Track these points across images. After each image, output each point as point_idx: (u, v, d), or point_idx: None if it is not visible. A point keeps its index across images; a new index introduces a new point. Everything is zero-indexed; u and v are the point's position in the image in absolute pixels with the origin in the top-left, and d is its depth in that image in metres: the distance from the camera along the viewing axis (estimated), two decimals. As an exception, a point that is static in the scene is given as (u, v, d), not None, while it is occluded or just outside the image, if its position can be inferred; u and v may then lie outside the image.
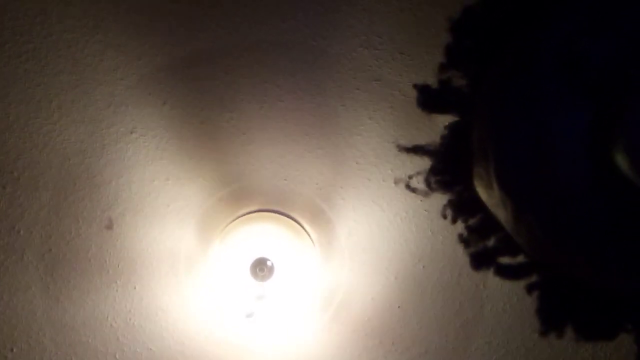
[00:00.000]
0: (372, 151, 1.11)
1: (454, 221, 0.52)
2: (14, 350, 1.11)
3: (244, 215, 1.15)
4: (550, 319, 0.48)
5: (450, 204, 0.52)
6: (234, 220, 1.15)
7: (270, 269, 1.11)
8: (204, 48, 1.09)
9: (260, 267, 1.11)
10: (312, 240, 1.15)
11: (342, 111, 1.11)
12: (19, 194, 1.10)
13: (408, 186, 0.56)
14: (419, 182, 0.54)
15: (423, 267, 1.14)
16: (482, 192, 0.44)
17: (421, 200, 1.12)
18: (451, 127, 0.52)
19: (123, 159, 1.10)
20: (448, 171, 0.51)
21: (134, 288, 1.13)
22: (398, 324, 1.15)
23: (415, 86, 0.54)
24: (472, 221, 0.51)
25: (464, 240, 0.52)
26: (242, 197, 1.14)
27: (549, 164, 0.36)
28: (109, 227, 1.11)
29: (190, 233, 1.13)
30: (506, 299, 1.13)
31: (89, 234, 1.11)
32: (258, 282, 1.12)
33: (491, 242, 0.50)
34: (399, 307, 1.14)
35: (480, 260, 0.51)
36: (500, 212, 0.42)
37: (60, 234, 1.11)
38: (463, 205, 0.51)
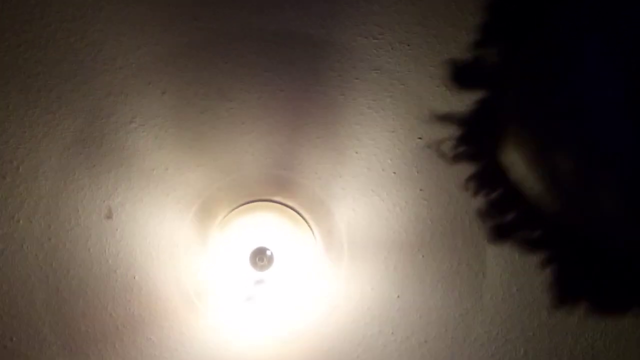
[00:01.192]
0: (372, 141, 1.11)
1: (475, 194, 0.53)
2: (14, 339, 1.11)
3: (243, 204, 1.15)
4: (564, 292, 0.49)
5: (474, 176, 0.53)
6: (233, 210, 1.15)
7: (270, 259, 1.12)
8: (203, 37, 1.09)
9: (260, 257, 1.11)
10: (311, 229, 1.15)
11: (341, 100, 1.11)
12: (18, 183, 1.10)
13: (438, 150, 0.58)
14: (447, 149, 0.56)
15: (422, 256, 1.14)
16: (514, 157, 0.44)
17: (421, 190, 1.12)
18: (480, 103, 0.54)
19: (122, 149, 1.10)
20: (475, 143, 0.53)
21: (133, 277, 1.13)
22: (397, 314, 1.15)
23: (447, 62, 0.55)
24: (493, 195, 0.52)
25: (483, 214, 0.53)
26: (241, 186, 1.14)
27: (587, 124, 0.36)
28: (109, 216, 1.11)
29: (189, 222, 1.13)
30: (506, 288, 1.13)
31: (88, 224, 1.11)
32: (257, 272, 1.12)
33: (510, 217, 0.51)
34: (398, 296, 1.14)
35: (498, 234, 0.53)
36: (531, 174, 0.42)
37: (59, 223, 1.11)
38: (486, 179, 0.52)
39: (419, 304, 1.14)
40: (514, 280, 1.13)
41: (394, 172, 1.12)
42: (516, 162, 0.46)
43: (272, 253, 1.12)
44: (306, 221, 1.15)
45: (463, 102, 0.53)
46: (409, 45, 1.10)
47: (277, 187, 1.14)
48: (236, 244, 1.12)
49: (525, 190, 0.46)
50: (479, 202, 0.53)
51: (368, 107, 1.11)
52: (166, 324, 1.14)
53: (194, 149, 1.11)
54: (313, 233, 1.15)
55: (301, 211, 1.15)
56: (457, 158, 0.55)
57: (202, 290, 1.15)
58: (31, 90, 1.09)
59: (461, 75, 0.57)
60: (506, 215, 0.52)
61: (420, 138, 1.11)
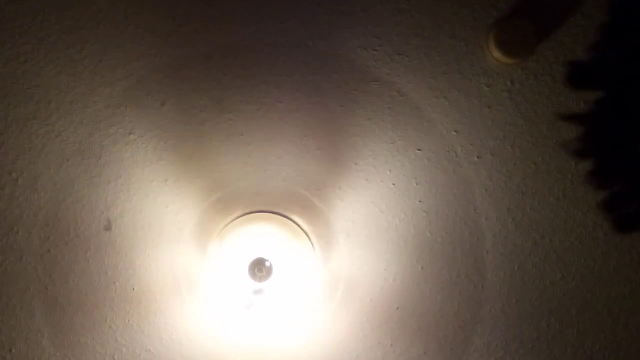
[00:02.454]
0: (371, 152, 1.11)
1: (599, 187, 0.55)
2: (13, 350, 1.11)
3: (242, 215, 1.15)
4: None
5: (597, 172, 0.55)
6: (232, 221, 1.15)
7: (269, 269, 1.11)
8: (202, 49, 1.09)
9: (259, 267, 1.11)
10: (310, 241, 1.15)
11: (340, 112, 1.11)
12: (17, 194, 1.10)
13: (570, 149, 0.59)
14: (576, 147, 0.59)
15: (421, 268, 1.13)
16: None
17: (420, 201, 1.12)
18: (602, 102, 0.55)
19: (121, 160, 1.11)
20: (600, 140, 0.54)
21: (132, 289, 1.13)
22: (396, 325, 1.15)
23: (566, 62, 0.57)
24: (615, 188, 0.54)
25: (607, 207, 0.55)
26: (240, 198, 1.14)
27: None
28: (108, 228, 1.11)
29: (188, 234, 1.14)
30: (505, 300, 1.13)
31: (87, 235, 1.11)
32: (256, 282, 1.12)
33: (634, 209, 0.53)
34: (397, 308, 1.14)
35: (626, 224, 0.54)
36: None
37: (58, 234, 1.11)
38: (609, 173, 0.54)
39: (418, 316, 1.14)
40: (513, 292, 1.13)
41: (393, 184, 1.12)
42: None
43: (271, 264, 1.12)
44: (305, 232, 1.15)
45: (588, 100, 0.55)
46: (407, 57, 1.10)
47: (276, 198, 1.14)
48: (235, 254, 1.12)
49: None
50: (603, 194, 0.55)
51: (367, 118, 1.11)
52: (165, 335, 1.14)
53: (193, 161, 1.12)
54: (312, 244, 1.15)
55: (300, 222, 1.15)
56: (582, 154, 0.57)
57: (202, 302, 1.15)
58: (30, 102, 1.09)
59: (585, 73, 0.59)
60: (634, 205, 0.54)
61: (419, 149, 1.11)
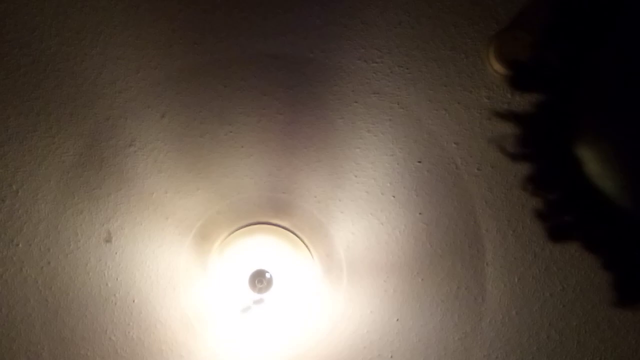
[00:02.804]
0: (371, 164, 1.11)
1: (534, 195, 0.53)
2: (13, 363, 1.12)
3: (243, 227, 1.15)
4: (628, 294, 0.49)
5: (533, 178, 0.53)
6: (232, 233, 1.15)
7: (269, 281, 1.11)
8: (202, 61, 1.09)
9: (259, 279, 1.11)
10: (310, 252, 1.15)
11: (340, 124, 1.11)
12: (17, 206, 1.10)
13: (502, 148, 0.57)
14: (511, 148, 0.56)
15: (421, 280, 1.13)
16: (588, 155, 0.46)
17: (420, 213, 1.12)
18: (542, 105, 0.54)
19: (122, 172, 1.10)
20: (537, 145, 0.53)
21: (132, 301, 1.13)
22: (396, 337, 1.15)
23: (509, 62, 0.55)
24: (551, 196, 0.52)
25: (542, 215, 0.53)
26: (240, 209, 1.14)
27: None
28: (108, 240, 1.11)
29: (189, 245, 1.13)
30: (505, 311, 1.13)
31: (87, 247, 1.11)
32: (257, 294, 1.12)
33: (573, 216, 0.52)
34: (397, 320, 1.14)
35: (559, 233, 0.53)
36: (607, 172, 0.44)
37: (59, 246, 1.11)
38: (545, 180, 0.52)
39: (418, 328, 1.14)
40: (513, 304, 1.13)
41: (393, 196, 1.12)
42: (590, 160, 0.47)
43: (271, 275, 1.12)
44: (305, 244, 1.15)
45: (527, 101, 0.53)
46: (408, 69, 1.10)
47: (276, 210, 1.14)
48: (235, 266, 1.12)
49: (598, 188, 0.48)
50: (538, 201, 0.54)
51: (367, 130, 1.11)
52: (165, 347, 1.14)
53: (193, 173, 1.11)
54: (312, 256, 1.15)
55: (300, 234, 1.15)
56: (518, 157, 0.55)
57: (202, 313, 1.15)
58: (30, 114, 1.09)
59: (525, 75, 0.57)
60: (569, 215, 0.53)
61: (419, 161, 1.11)
